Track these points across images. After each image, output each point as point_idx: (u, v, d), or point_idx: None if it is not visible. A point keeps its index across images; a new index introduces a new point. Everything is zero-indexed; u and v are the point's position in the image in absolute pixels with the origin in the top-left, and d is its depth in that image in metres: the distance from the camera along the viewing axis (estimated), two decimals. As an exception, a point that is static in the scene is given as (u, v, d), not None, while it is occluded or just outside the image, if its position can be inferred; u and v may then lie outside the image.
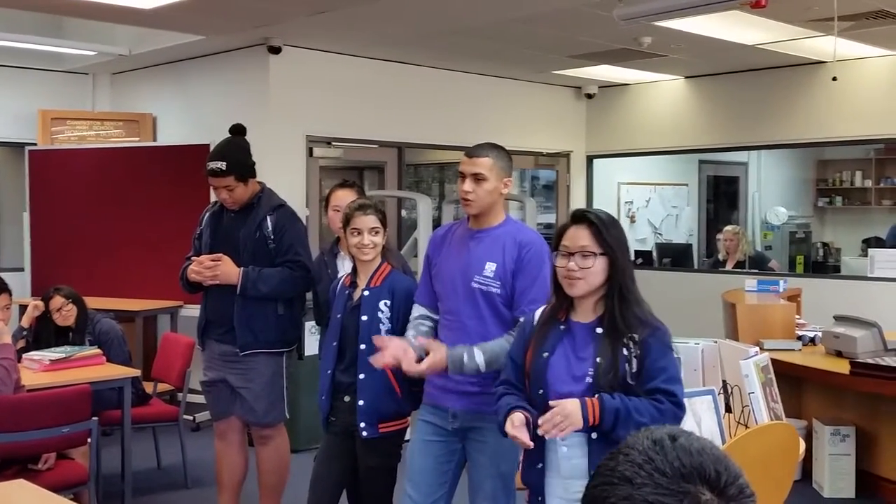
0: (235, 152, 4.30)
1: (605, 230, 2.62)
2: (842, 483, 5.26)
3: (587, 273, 2.61)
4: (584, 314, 2.67)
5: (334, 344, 3.69)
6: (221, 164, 4.21)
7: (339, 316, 3.71)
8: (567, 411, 2.50)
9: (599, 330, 2.61)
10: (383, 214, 3.73)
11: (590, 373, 2.58)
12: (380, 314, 3.61)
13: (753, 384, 3.36)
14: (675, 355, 3.33)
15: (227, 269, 4.20)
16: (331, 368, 3.69)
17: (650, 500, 1.10)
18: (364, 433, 3.59)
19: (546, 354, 2.68)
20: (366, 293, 3.64)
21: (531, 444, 2.61)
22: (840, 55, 7.04)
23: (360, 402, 3.58)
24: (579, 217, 2.67)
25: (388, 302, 3.62)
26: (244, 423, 4.44)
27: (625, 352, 2.55)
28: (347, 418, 3.65)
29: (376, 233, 3.65)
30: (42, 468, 4.22)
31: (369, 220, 3.64)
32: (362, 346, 3.58)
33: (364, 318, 3.61)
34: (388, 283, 3.66)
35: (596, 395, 2.52)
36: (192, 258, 4.33)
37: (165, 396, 6.14)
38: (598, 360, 2.57)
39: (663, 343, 2.56)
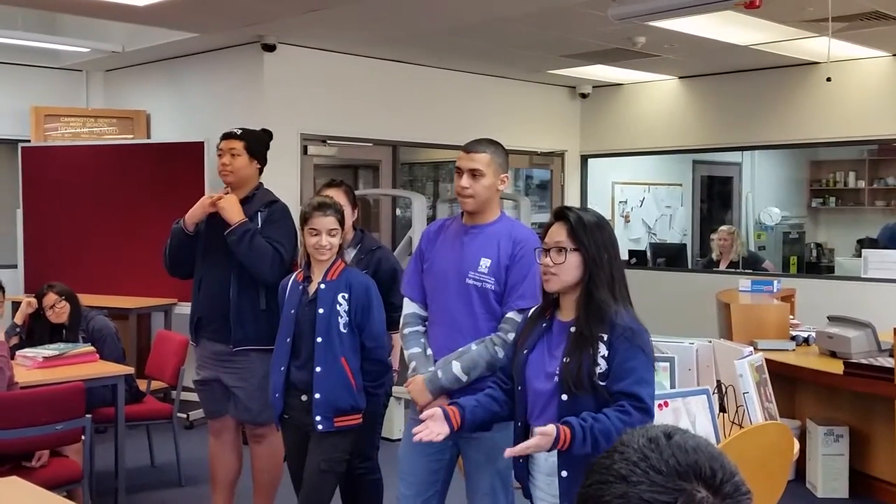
0: (254, 132, 4.40)
1: (581, 227, 2.62)
2: (835, 483, 5.27)
3: (560, 269, 2.62)
4: (567, 312, 2.69)
5: (288, 340, 3.68)
6: (237, 130, 4.31)
7: (292, 311, 3.69)
8: (540, 447, 2.52)
9: (573, 329, 2.63)
10: (342, 214, 3.71)
11: (557, 371, 2.61)
12: (338, 307, 3.60)
13: (748, 384, 3.36)
14: (665, 356, 3.37)
15: (233, 204, 4.19)
16: (284, 365, 3.68)
17: (646, 498, 1.09)
18: (319, 426, 3.59)
19: (525, 351, 2.73)
20: (322, 286, 3.63)
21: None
22: (834, 56, 7.05)
23: (317, 396, 3.58)
24: (558, 214, 2.70)
25: (346, 295, 3.62)
26: (238, 421, 4.44)
27: (592, 352, 2.55)
28: (304, 418, 3.65)
29: (334, 234, 3.64)
30: (36, 465, 4.21)
31: (328, 222, 3.63)
32: (319, 340, 3.59)
33: (321, 311, 3.60)
34: (344, 277, 3.66)
35: (568, 428, 2.49)
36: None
37: (159, 394, 6.13)
38: (565, 359, 2.59)
39: (633, 344, 2.53)
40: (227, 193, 4.33)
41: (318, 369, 3.58)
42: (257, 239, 4.15)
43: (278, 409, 3.72)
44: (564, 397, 2.59)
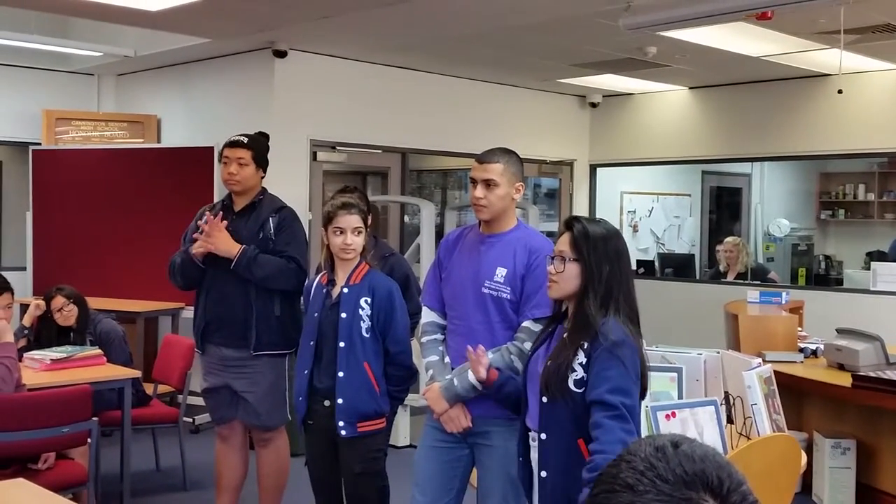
0: (259, 138, 4.44)
1: (584, 238, 2.65)
2: (842, 496, 5.24)
3: (560, 277, 2.66)
4: (571, 319, 2.71)
5: (311, 343, 3.67)
6: (244, 138, 4.34)
7: (315, 314, 3.68)
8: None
9: (566, 335, 2.66)
10: (366, 214, 3.70)
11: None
12: (361, 311, 3.59)
13: (756, 395, 3.35)
14: (673, 366, 3.36)
15: (226, 240, 4.19)
16: (308, 369, 3.67)
17: (652, 508, 1.09)
18: (343, 432, 3.58)
19: (530, 355, 2.83)
20: (345, 290, 3.62)
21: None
22: (846, 68, 7.04)
23: (339, 401, 3.57)
24: (567, 223, 2.74)
25: (369, 299, 3.60)
26: (245, 425, 4.44)
27: (569, 357, 2.58)
28: (328, 422, 3.63)
29: (359, 233, 3.63)
30: (42, 468, 4.21)
31: (353, 220, 3.61)
32: (342, 344, 3.57)
33: (343, 315, 3.58)
34: (367, 280, 3.64)
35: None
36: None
37: (166, 398, 6.13)
38: (548, 362, 2.64)
39: (612, 354, 2.53)
40: (213, 209, 4.35)
41: (340, 374, 3.57)
42: (261, 258, 4.18)
43: (302, 413, 3.71)
44: (545, 399, 2.63)
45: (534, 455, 2.73)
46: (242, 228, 4.29)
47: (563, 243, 2.69)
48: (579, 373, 2.56)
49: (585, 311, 2.61)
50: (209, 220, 4.22)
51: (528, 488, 2.79)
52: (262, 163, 4.36)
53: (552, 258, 2.70)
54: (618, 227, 9.89)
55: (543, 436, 2.63)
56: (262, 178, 4.41)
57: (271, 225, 4.27)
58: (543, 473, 2.65)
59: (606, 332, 2.56)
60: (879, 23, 6.09)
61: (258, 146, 4.36)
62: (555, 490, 2.61)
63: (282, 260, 4.22)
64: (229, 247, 4.18)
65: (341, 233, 3.60)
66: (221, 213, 4.34)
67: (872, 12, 5.82)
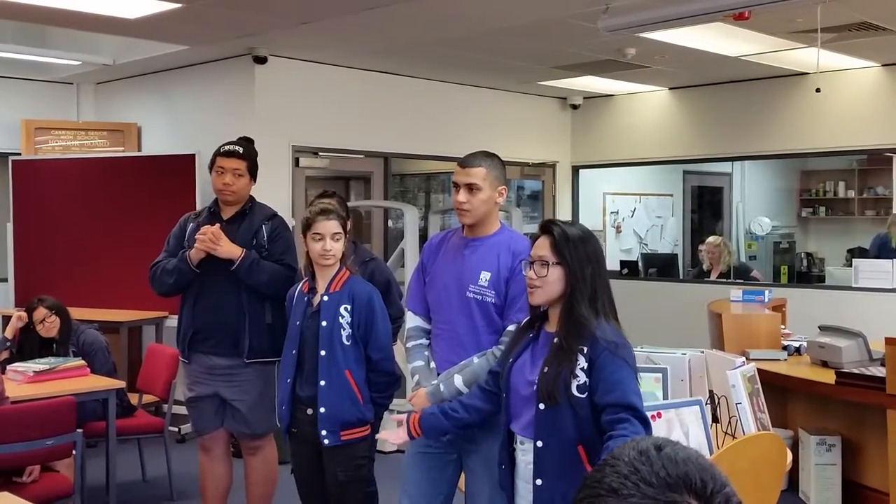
0: (253, 150, 4.44)
1: (565, 241, 2.65)
2: (828, 493, 5.27)
3: (543, 282, 2.66)
4: (553, 323, 2.72)
5: (294, 352, 3.67)
6: (239, 148, 4.34)
7: (297, 323, 3.68)
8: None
9: (555, 340, 2.65)
10: (345, 220, 3.71)
11: (535, 379, 2.63)
12: (340, 319, 3.59)
13: (740, 394, 3.37)
14: (657, 367, 3.37)
15: (228, 244, 4.19)
16: (290, 377, 3.67)
17: (637, 511, 1.09)
18: (325, 441, 3.58)
19: (511, 360, 2.78)
20: (325, 298, 3.62)
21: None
22: (823, 66, 7.08)
23: (322, 410, 3.57)
24: (543, 227, 2.73)
25: (349, 307, 3.60)
26: (229, 434, 4.42)
27: (570, 364, 2.57)
28: (311, 430, 3.63)
29: (338, 238, 3.63)
30: (26, 481, 4.19)
31: (331, 226, 3.61)
32: (323, 353, 3.57)
33: (324, 323, 3.59)
34: (347, 287, 3.64)
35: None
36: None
37: (150, 408, 6.11)
38: (544, 368, 2.62)
39: (618, 356, 2.55)
40: (198, 217, 4.34)
41: (322, 383, 3.57)
42: (263, 263, 4.20)
43: (285, 421, 3.71)
44: (542, 406, 2.61)
45: (523, 462, 2.71)
46: (234, 236, 4.28)
47: (543, 248, 2.68)
48: (582, 378, 2.56)
49: (577, 315, 2.60)
50: (209, 231, 4.19)
51: (511, 496, 2.78)
52: (254, 172, 4.39)
53: (531, 264, 2.69)
54: (601, 228, 9.98)
55: (539, 443, 2.61)
56: (252, 185, 4.42)
57: (265, 232, 4.28)
58: (539, 481, 2.63)
59: (605, 335, 2.56)
60: (856, 21, 6.13)
61: (252, 157, 4.39)
62: (553, 497, 2.59)
63: (280, 266, 4.23)
64: (231, 249, 4.18)
65: (320, 238, 3.60)
66: (213, 221, 4.33)
67: (849, 11, 5.87)
